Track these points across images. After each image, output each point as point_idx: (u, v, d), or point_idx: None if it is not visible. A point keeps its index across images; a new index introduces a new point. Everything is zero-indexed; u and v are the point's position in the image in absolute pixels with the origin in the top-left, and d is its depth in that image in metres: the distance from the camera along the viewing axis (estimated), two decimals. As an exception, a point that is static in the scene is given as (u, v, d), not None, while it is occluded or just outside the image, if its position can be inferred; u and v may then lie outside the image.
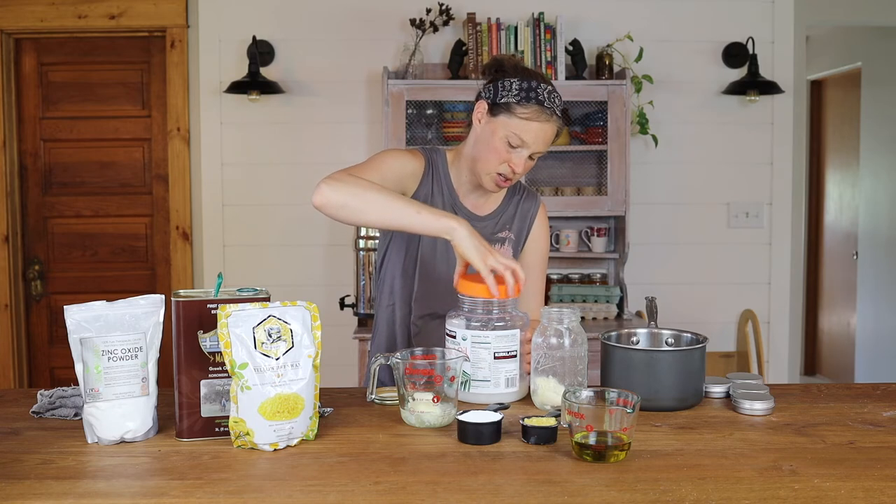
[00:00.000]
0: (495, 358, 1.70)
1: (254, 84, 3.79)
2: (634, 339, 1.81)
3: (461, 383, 1.70)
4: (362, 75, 3.96)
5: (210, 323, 1.50)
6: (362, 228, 3.43)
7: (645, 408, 1.59)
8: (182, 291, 1.55)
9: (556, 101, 1.88)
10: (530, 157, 1.90)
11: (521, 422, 1.49)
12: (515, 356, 1.71)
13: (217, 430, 1.52)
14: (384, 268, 2.06)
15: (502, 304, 1.72)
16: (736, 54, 4.00)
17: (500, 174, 1.90)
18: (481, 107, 1.92)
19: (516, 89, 1.86)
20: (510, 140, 1.86)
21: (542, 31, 3.73)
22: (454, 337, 1.72)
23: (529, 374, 1.73)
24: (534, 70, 2.15)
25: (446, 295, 1.96)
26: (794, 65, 4.03)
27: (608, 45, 3.83)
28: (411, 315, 2.03)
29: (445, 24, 3.85)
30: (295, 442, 1.47)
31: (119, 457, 1.42)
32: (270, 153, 3.98)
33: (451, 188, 2.00)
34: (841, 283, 5.65)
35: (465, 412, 1.51)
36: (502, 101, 1.87)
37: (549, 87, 1.88)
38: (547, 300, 3.81)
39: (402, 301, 2.04)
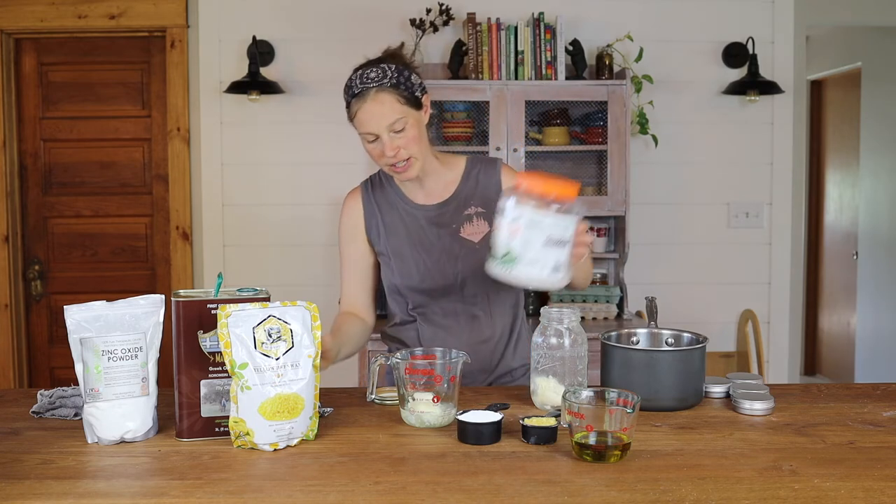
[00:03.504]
0: (547, 241, 1.58)
1: (254, 84, 3.79)
2: (634, 339, 1.81)
3: (501, 260, 1.60)
4: (362, 75, 3.96)
5: (210, 323, 1.50)
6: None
7: (645, 408, 1.59)
8: (182, 291, 1.55)
9: (370, 75, 1.87)
10: (395, 134, 1.88)
11: (521, 422, 1.49)
12: (566, 244, 1.60)
13: (217, 430, 1.52)
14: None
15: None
16: (736, 54, 4.00)
17: (389, 167, 1.94)
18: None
19: (345, 100, 1.93)
20: (364, 139, 1.92)
21: (542, 31, 3.72)
22: (507, 215, 1.60)
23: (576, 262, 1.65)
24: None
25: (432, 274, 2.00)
26: (794, 65, 4.03)
27: (608, 45, 3.82)
28: (407, 306, 2.07)
29: (445, 24, 3.85)
30: (295, 442, 1.47)
31: (119, 457, 1.42)
32: (270, 153, 3.98)
33: (398, 194, 2.05)
34: (841, 283, 5.65)
35: (465, 412, 1.51)
36: (348, 118, 1.95)
37: (361, 70, 1.90)
38: (547, 300, 3.81)
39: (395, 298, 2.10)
